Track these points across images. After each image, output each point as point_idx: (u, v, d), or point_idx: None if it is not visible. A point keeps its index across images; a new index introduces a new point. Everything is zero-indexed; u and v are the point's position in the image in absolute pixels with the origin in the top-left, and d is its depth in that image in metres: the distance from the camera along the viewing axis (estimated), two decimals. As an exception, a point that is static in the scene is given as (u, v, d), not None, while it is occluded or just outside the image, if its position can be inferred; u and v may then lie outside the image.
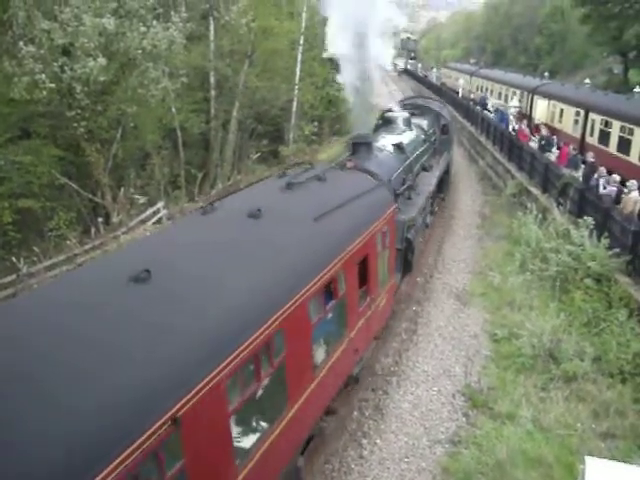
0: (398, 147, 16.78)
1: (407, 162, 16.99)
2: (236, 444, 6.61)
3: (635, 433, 10.46)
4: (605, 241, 15.27)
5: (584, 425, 10.79)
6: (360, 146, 14.95)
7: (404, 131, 18.89)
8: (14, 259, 20.18)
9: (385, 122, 19.59)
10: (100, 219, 24.59)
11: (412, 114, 21.28)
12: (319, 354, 9.05)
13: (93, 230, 24.23)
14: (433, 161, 21.33)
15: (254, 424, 7.37)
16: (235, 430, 6.58)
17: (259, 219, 8.66)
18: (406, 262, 15.08)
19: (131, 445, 4.76)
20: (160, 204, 26.43)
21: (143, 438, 4.89)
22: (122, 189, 26.27)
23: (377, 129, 19.33)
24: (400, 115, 19.84)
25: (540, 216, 19.08)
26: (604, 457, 9.16)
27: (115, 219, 24.90)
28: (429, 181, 19.24)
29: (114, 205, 25.52)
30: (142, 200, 26.34)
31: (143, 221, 25.07)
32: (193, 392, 5.56)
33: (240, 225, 8.58)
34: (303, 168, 12.30)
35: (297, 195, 10.24)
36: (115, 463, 4.58)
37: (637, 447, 10.14)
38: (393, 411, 11.65)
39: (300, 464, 8.79)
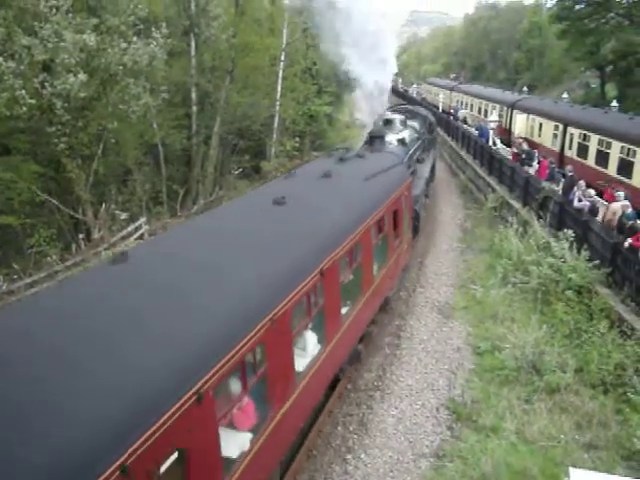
0: (402, 141, 21.19)
1: (409, 153, 20.95)
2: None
3: (618, 444, 10.51)
4: (585, 253, 15.46)
5: (567, 436, 10.84)
6: (375, 139, 19.23)
7: (402, 130, 22.58)
8: (-7, 276, 19.95)
9: (385, 123, 23.05)
10: (81, 235, 24.36)
11: (405, 117, 24.74)
12: (375, 269, 13.18)
13: (74, 246, 24.00)
14: (424, 155, 24.78)
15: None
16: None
17: (330, 177, 12.66)
18: (414, 228, 19.26)
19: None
20: (142, 220, 26.29)
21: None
22: (103, 205, 26.09)
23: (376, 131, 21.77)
24: (398, 117, 23.57)
25: (521, 229, 19.26)
26: (588, 468, 9.21)
27: (96, 235, 24.68)
28: (424, 169, 23.75)
29: (95, 221, 25.31)
30: (124, 216, 26.16)
31: (125, 237, 24.89)
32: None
33: (319, 181, 12.63)
34: (344, 151, 16.80)
35: (348, 165, 14.50)
36: None
37: (620, 458, 10.19)
38: (377, 426, 11.61)
39: (360, 348, 13.28)
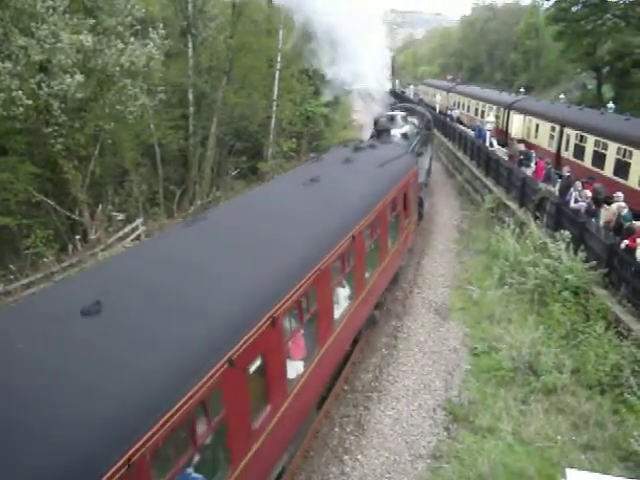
0: (404, 135, 22.75)
1: (412, 145, 22.29)
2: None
3: (614, 444, 10.53)
4: (582, 254, 15.46)
5: (564, 437, 10.86)
6: (383, 132, 21.95)
7: (403, 126, 23.79)
8: (-10, 277, 19.92)
9: (389, 119, 24.39)
10: (78, 236, 24.32)
11: (406, 114, 26.07)
12: (390, 243, 15.13)
13: (71, 247, 23.98)
14: (423, 149, 25.65)
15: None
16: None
17: (351, 163, 14.81)
18: (419, 214, 20.93)
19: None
20: (139, 221, 26.26)
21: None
22: (100, 206, 26.06)
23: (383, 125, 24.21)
24: (399, 114, 24.89)
25: (518, 230, 19.26)
26: (585, 469, 9.22)
27: (93, 236, 24.64)
28: (424, 161, 25.21)
29: (92, 222, 25.27)
30: (120, 217, 26.13)
31: (121, 238, 24.86)
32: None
33: (342, 165, 14.67)
34: (357, 142, 19.23)
35: (363, 153, 16.45)
36: None
37: (617, 458, 10.21)
38: (374, 426, 11.62)
39: (376, 314, 15.17)
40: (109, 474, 4.85)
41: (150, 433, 5.34)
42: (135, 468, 5.13)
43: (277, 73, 39.02)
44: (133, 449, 5.13)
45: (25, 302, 9.20)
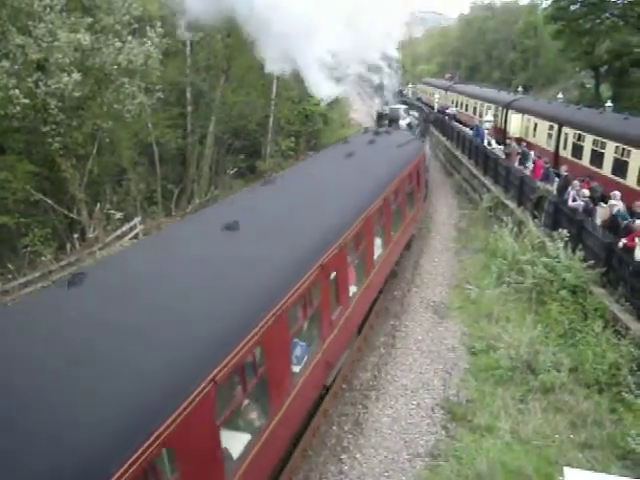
0: (409, 125, 25.97)
1: (415, 134, 24.45)
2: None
3: (612, 443, 10.53)
4: (580, 253, 15.46)
5: (562, 436, 10.85)
6: (392, 121, 24.94)
7: (406, 117, 27.01)
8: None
9: (395, 111, 27.05)
10: (76, 235, 24.33)
11: (407, 108, 29.82)
12: (407, 209, 17.94)
13: (69, 246, 23.98)
14: (422, 138, 27.47)
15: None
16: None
17: (374, 144, 18.09)
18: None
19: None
20: (137, 220, 26.26)
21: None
22: (98, 205, 26.06)
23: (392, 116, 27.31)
24: (402, 107, 28.07)
25: (516, 229, 19.26)
26: (583, 467, 9.22)
27: (91, 235, 24.65)
28: (425, 149, 26.69)
29: (90, 221, 25.28)
30: (118, 216, 26.11)
31: (119, 237, 24.86)
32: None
33: (367, 145, 17.88)
34: (374, 129, 22.53)
35: (382, 137, 19.75)
36: None
37: (615, 457, 10.21)
38: (372, 425, 11.61)
39: (395, 268, 18.08)
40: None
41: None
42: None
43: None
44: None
45: (185, 219, 12.67)
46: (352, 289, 12.04)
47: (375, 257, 13.75)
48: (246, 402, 7.70)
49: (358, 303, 12.40)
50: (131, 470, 4.77)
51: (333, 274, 10.43)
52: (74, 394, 5.18)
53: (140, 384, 5.43)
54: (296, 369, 8.90)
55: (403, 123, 25.45)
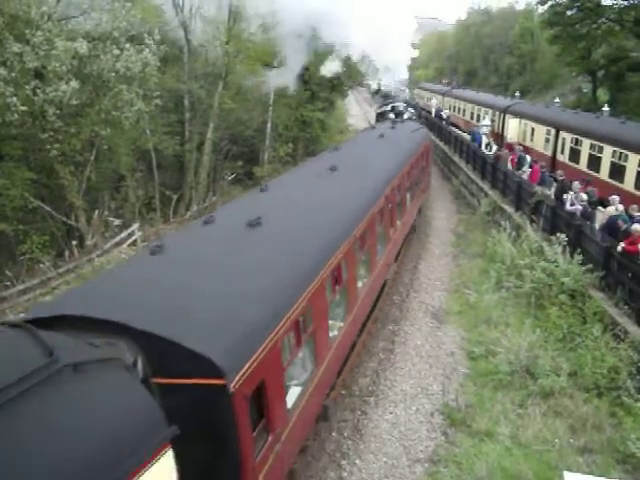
0: (410, 118, 31.80)
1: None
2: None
3: (612, 447, 10.52)
4: (578, 257, 15.47)
5: (562, 440, 10.84)
6: (399, 114, 32.05)
7: (405, 113, 33.38)
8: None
9: (392, 108, 34.50)
10: (74, 242, 24.29)
11: (406, 105, 36.08)
12: (421, 184, 23.61)
13: (67, 253, 23.95)
14: None
15: None
16: None
17: (395, 129, 24.29)
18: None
19: None
20: (135, 226, 26.23)
21: None
22: (96, 211, 26.04)
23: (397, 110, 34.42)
24: (401, 104, 35.09)
25: (514, 233, 19.29)
26: (582, 472, 9.22)
27: (89, 242, 24.62)
28: None
29: (88, 228, 25.25)
30: (117, 222, 26.12)
31: (118, 243, 24.84)
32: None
33: (391, 131, 23.58)
34: (392, 119, 29.31)
35: (399, 127, 25.21)
36: None
37: (615, 461, 10.20)
38: (372, 431, 11.60)
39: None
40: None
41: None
42: None
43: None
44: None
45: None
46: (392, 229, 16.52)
47: (407, 205, 19.30)
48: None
49: (392, 244, 16.59)
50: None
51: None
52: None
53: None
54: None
55: (406, 116, 32.34)
